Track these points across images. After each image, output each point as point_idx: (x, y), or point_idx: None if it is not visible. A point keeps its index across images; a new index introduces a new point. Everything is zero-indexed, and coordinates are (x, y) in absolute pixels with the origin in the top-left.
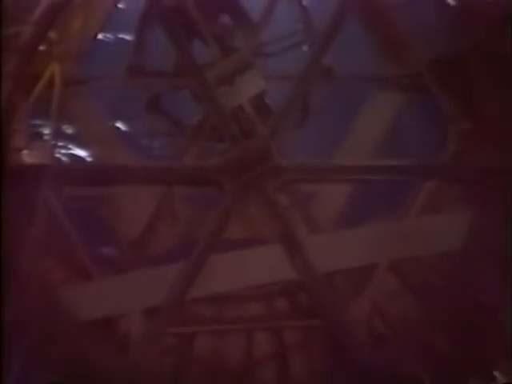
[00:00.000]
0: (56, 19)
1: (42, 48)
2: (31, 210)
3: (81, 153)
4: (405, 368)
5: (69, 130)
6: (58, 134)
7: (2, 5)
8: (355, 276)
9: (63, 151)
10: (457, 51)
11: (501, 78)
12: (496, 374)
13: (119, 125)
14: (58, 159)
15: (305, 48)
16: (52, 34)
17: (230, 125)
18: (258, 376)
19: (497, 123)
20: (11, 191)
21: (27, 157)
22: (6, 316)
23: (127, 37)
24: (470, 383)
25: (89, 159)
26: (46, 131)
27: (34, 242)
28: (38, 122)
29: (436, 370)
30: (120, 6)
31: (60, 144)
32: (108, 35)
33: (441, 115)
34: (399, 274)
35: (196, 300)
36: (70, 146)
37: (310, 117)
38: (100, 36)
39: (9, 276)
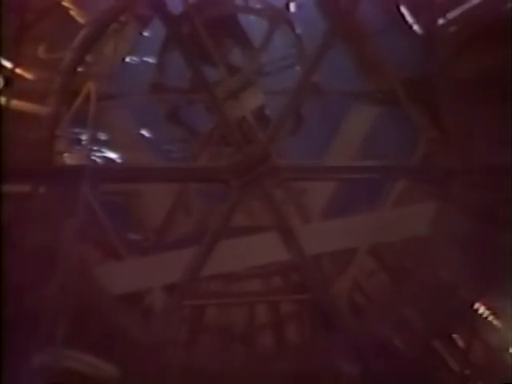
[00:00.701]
0: (92, 46)
1: (80, 69)
2: (72, 203)
3: (112, 155)
4: (379, 333)
5: (102, 136)
6: (94, 140)
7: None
8: (339, 258)
9: (98, 154)
10: (424, 72)
11: (462, 95)
12: (454, 336)
13: (144, 132)
14: (94, 161)
15: (297, 68)
16: (88, 58)
17: (235, 133)
18: (259, 340)
19: (458, 131)
20: (55, 188)
21: (68, 159)
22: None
23: (150, 59)
24: (433, 344)
25: (119, 161)
26: (84, 138)
27: (74, 229)
28: (77, 130)
29: (405, 334)
30: (144, 34)
31: (95, 148)
32: (134, 58)
33: (410, 125)
34: (376, 256)
35: (207, 278)
36: (103, 150)
37: (302, 125)
38: (127, 59)
39: (52, 259)
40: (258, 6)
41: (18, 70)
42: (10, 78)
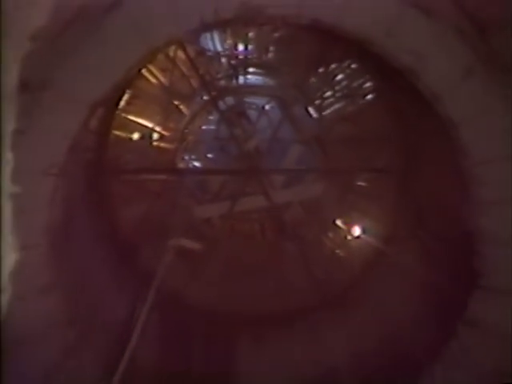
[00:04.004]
0: (190, 123)
1: (186, 131)
2: (182, 183)
3: (197, 164)
4: (302, 233)
5: (193, 157)
6: (190, 158)
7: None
8: (286, 205)
9: (191, 164)
10: (318, 132)
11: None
12: (329, 235)
13: (209, 155)
14: (190, 167)
15: (269, 131)
16: (190, 127)
17: (245, 156)
18: (255, 237)
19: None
20: (176, 177)
21: (181, 165)
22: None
23: (212, 127)
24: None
25: (199, 166)
26: (186, 157)
27: (182, 193)
28: (183, 155)
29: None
30: (210, 117)
31: (190, 162)
32: (206, 127)
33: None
34: (302, 205)
35: (235, 212)
36: (193, 162)
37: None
38: (203, 127)
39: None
40: (254, 106)
41: (163, 131)
42: (160, 135)
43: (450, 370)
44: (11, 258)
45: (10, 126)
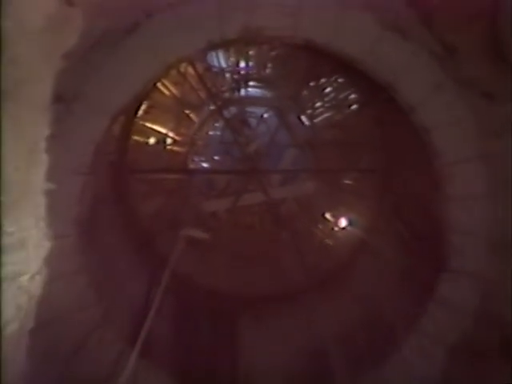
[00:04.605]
0: (200, 130)
1: (195, 136)
2: (192, 181)
3: (205, 165)
4: (296, 228)
5: (202, 158)
6: (199, 160)
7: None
8: (282, 200)
9: (200, 165)
10: (309, 138)
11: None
12: (319, 226)
13: (216, 158)
14: (198, 167)
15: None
16: (198, 134)
17: (247, 158)
18: (256, 228)
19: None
20: (188, 176)
21: (192, 166)
22: None
23: (218, 133)
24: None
25: (207, 167)
26: (196, 159)
27: (193, 191)
28: (193, 157)
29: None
30: (216, 124)
31: (199, 163)
32: (212, 132)
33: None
34: (295, 200)
35: (238, 207)
36: (202, 164)
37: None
38: (210, 133)
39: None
40: (254, 115)
41: (175, 136)
42: (173, 140)
43: (423, 342)
44: (46, 246)
45: (45, 132)
